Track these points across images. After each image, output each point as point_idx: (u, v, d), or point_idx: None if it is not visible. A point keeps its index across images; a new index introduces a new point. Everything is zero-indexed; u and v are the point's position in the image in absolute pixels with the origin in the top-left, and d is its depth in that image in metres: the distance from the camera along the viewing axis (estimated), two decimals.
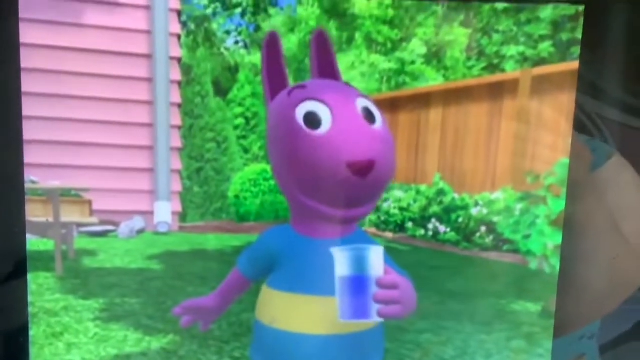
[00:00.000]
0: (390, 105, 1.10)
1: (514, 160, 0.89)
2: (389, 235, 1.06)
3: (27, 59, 0.68)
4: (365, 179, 0.56)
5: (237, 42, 1.01)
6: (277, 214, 1.02)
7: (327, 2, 0.98)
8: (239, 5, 0.97)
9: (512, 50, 0.93)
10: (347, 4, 0.98)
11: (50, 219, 0.86)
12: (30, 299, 0.73)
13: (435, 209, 1.05)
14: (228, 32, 1.00)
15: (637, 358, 0.81)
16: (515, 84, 0.92)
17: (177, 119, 1.00)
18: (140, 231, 0.98)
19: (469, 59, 0.97)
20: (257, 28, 0.98)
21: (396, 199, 1.07)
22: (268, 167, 1.04)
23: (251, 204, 1.04)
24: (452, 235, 1.02)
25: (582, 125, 0.72)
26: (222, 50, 1.02)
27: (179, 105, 1.00)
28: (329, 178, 0.56)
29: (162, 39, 0.95)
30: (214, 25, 0.99)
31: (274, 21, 0.98)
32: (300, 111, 0.57)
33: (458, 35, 0.96)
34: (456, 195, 1.02)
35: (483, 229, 0.96)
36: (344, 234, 0.61)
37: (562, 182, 0.71)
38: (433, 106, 1.05)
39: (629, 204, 0.70)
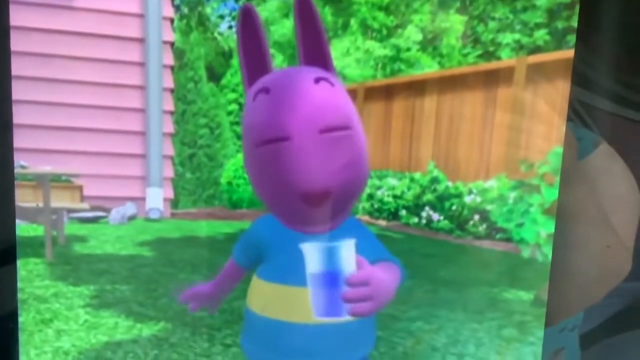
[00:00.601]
0: (385, 93, 1.09)
1: (508, 149, 0.89)
2: (382, 223, 1.06)
3: (17, 42, 0.67)
4: (320, 207, 0.55)
5: (230, 27, 1.00)
6: None
7: None
8: None
9: (507, 37, 0.93)
10: None
11: (40, 204, 0.86)
12: (19, 285, 0.73)
13: (429, 196, 1.04)
14: (222, 17, 0.99)
15: (617, 351, 0.82)
16: (511, 72, 0.91)
17: (169, 104, 0.99)
18: (132, 217, 0.98)
19: (464, 46, 0.96)
20: None
21: (390, 186, 1.07)
22: None
23: (244, 191, 1.03)
24: (445, 223, 1.02)
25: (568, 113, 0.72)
26: (216, 34, 1.01)
27: (172, 91, 0.99)
28: (285, 202, 0.55)
29: (154, 22, 0.94)
30: (208, 10, 0.98)
31: (269, 6, 0.97)
32: (257, 130, 0.54)
33: (454, 22, 0.96)
34: (450, 183, 1.02)
35: (476, 217, 0.96)
36: (334, 226, 0.60)
37: (556, 170, 0.71)
38: (428, 94, 1.04)
39: (617, 195, 0.69)
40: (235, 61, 1.04)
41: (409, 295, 0.88)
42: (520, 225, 0.91)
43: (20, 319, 0.73)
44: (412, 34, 1.00)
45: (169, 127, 0.99)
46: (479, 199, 0.97)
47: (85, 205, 0.93)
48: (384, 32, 1.02)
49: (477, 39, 0.95)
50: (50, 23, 0.83)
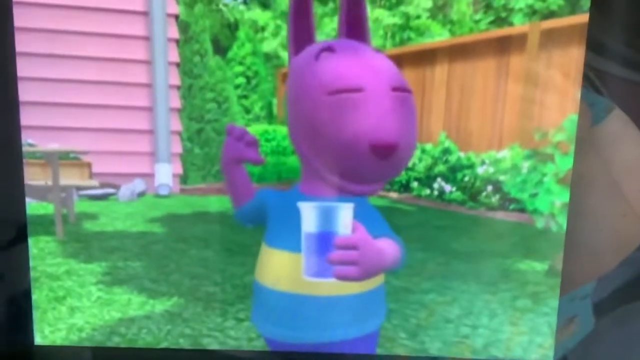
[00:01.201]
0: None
1: (522, 117, 0.88)
2: (394, 195, 1.05)
3: (21, 18, 0.66)
4: (385, 160, 0.55)
5: None
6: (280, 175, 1.01)
7: None
8: None
9: (520, 2, 0.91)
10: None
11: (49, 182, 0.86)
12: (31, 263, 0.73)
13: (440, 168, 1.03)
14: None
15: (631, 318, 0.82)
16: (524, 39, 0.89)
17: (175, 78, 0.98)
18: (141, 194, 0.98)
19: (475, 12, 0.94)
20: None
21: None
22: (270, 128, 1.03)
23: (253, 166, 1.02)
24: (457, 194, 1.01)
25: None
26: (221, 6, 0.99)
27: (178, 65, 0.98)
28: (348, 154, 0.55)
29: None
30: None
31: None
32: (329, 80, 0.55)
33: None
34: (462, 154, 1.01)
35: (489, 188, 0.95)
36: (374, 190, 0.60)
37: (571, 138, 0.69)
38: (438, 63, 1.03)
39: (631, 163, 0.68)
40: (241, 33, 1.02)
41: (422, 268, 0.87)
42: (534, 195, 0.90)
43: (34, 297, 0.74)
44: (421, 1, 0.98)
45: (176, 102, 0.98)
46: (491, 170, 0.96)
47: (95, 182, 0.93)
48: None
49: (489, 5, 0.93)
50: None
